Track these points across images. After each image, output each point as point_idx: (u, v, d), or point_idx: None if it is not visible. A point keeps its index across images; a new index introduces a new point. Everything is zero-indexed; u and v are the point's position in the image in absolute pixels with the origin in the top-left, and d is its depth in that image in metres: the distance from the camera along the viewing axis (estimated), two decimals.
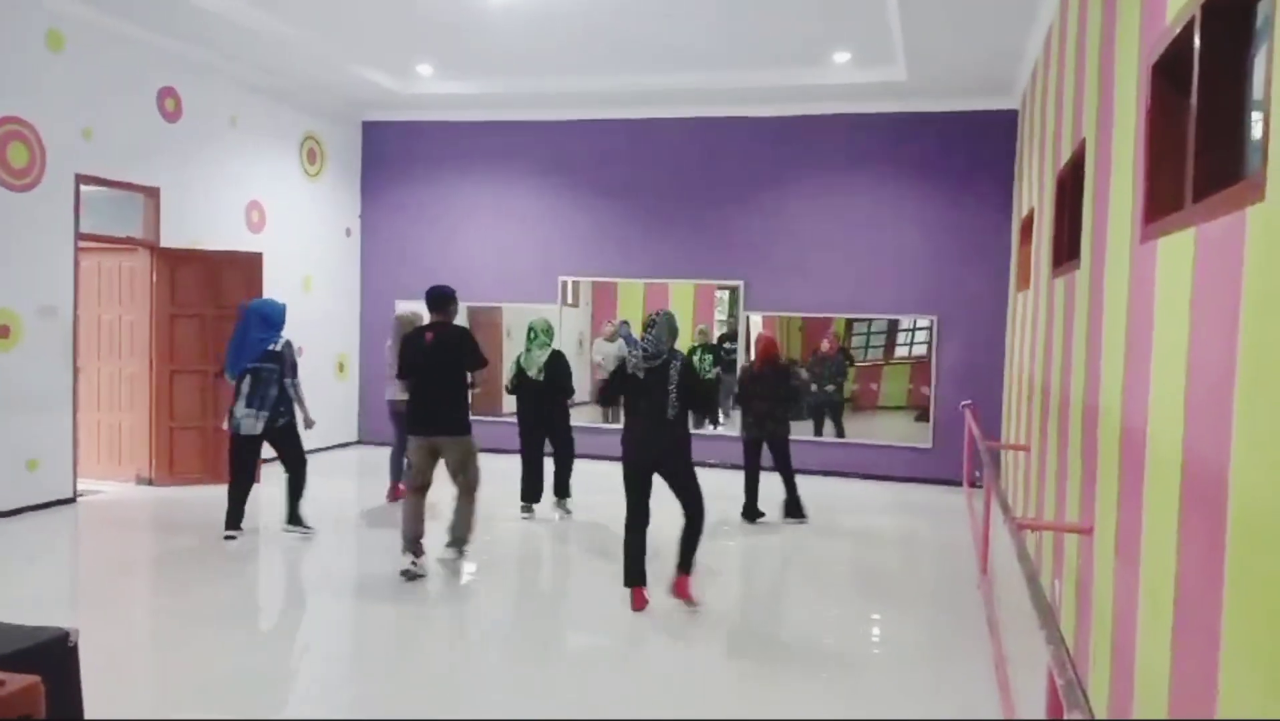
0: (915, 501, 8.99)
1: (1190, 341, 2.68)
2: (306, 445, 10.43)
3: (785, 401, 7.72)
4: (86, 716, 3.04)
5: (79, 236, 7.79)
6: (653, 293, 10.84)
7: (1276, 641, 1.90)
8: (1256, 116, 2.51)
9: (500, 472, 8.11)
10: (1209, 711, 2.30)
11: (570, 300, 11.06)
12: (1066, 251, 5.48)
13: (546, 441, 7.79)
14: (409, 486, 6.11)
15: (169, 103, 8.67)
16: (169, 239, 8.66)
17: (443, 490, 6.36)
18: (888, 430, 10.19)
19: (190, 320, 8.71)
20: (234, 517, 6.84)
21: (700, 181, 10.50)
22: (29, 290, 7.36)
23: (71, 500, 7.78)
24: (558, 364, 7.62)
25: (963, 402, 9.18)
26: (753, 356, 8.16)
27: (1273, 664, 1.92)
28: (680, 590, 5.46)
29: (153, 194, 8.56)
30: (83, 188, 7.81)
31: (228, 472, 6.88)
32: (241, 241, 9.54)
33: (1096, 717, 3.70)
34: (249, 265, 8.94)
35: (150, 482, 8.63)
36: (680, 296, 10.83)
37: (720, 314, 10.77)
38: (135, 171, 8.34)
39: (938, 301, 9.91)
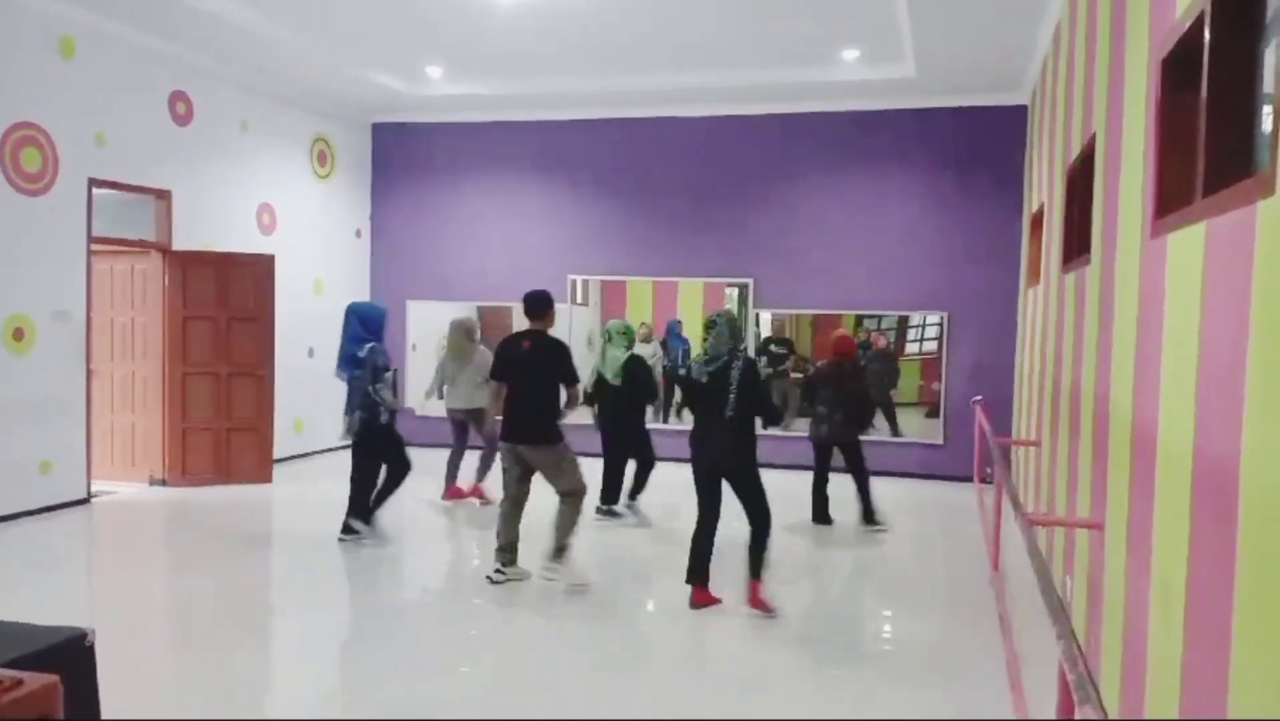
0: (926, 497, 8.98)
1: (1201, 336, 2.68)
2: (318, 445, 10.58)
3: (857, 402, 7.56)
4: (104, 716, 3.06)
5: (91, 240, 7.84)
6: (662, 291, 10.84)
7: None
8: (1267, 110, 2.51)
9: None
10: (1221, 706, 2.29)
11: (580, 299, 11.07)
12: (1077, 247, 5.47)
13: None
14: (505, 495, 5.93)
15: (180, 107, 8.72)
16: (181, 242, 8.71)
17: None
18: (899, 426, 10.17)
19: (203, 322, 8.76)
20: (360, 512, 6.75)
21: (709, 180, 10.50)
22: (43, 294, 7.41)
23: (86, 501, 7.83)
24: (637, 367, 7.48)
25: (973, 398, 9.16)
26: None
27: None
28: (752, 599, 5.38)
29: (164, 197, 8.61)
30: (95, 191, 7.86)
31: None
32: (253, 244, 9.59)
33: (1108, 713, 3.69)
34: (260, 267, 8.99)
35: (164, 484, 8.69)
36: (689, 294, 10.83)
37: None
38: (147, 175, 8.39)
39: (948, 298, 9.88)
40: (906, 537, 7.49)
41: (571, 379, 5.90)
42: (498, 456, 6.38)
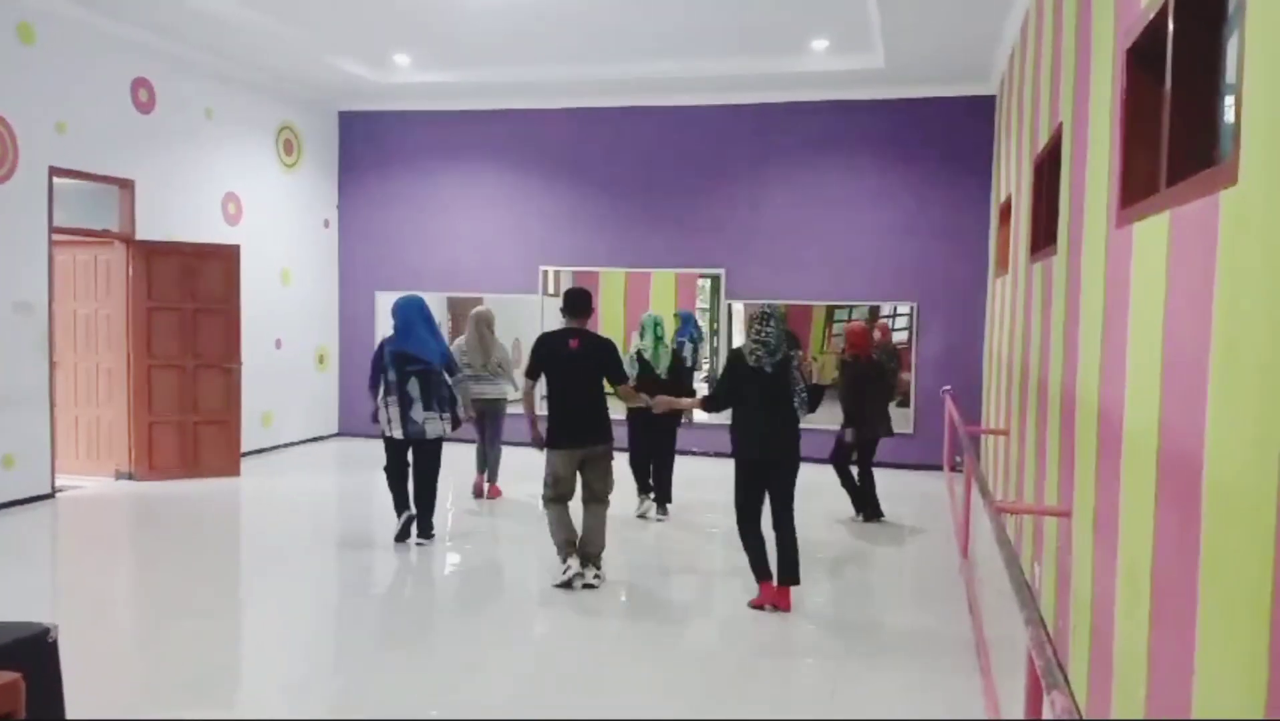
0: (896, 487, 9.03)
1: (1165, 324, 2.71)
2: (286, 438, 10.51)
3: (884, 397, 7.49)
4: (68, 713, 3.02)
5: (53, 230, 7.71)
6: (634, 282, 10.83)
7: (1252, 619, 1.93)
8: (1230, 101, 2.53)
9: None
10: (1187, 690, 2.33)
11: (551, 290, 11.04)
12: (1044, 236, 5.52)
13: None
14: (554, 497, 5.68)
15: (142, 94, 8.58)
16: (145, 232, 8.58)
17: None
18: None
19: (168, 313, 8.64)
20: (423, 523, 6.53)
21: (680, 170, 10.50)
22: (3, 285, 7.28)
23: (50, 496, 7.72)
24: (679, 363, 7.41)
25: (943, 388, 9.23)
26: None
27: (1248, 641, 1.94)
28: (783, 599, 5.35)
29: (128, 186, 8.47)
30: (56, 181, 7.73)
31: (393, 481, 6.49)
32: (219, 234, 9.46)
33: (1076, 697, 3.74)
34: (226, 258, 8.88)
35: (131, 477, 8.58)
36: (661, 285, 10.83)
37: (702, 302, 10.78)
38: (110, 164, 8.25)
39: (917, 288, 9.95)
40: (877, 526, 7.54)
41: (622, 377, 5.81)
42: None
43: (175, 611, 5.21)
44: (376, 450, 7.13)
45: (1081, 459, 3.90)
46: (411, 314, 6.33)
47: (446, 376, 6.45)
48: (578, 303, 5.79)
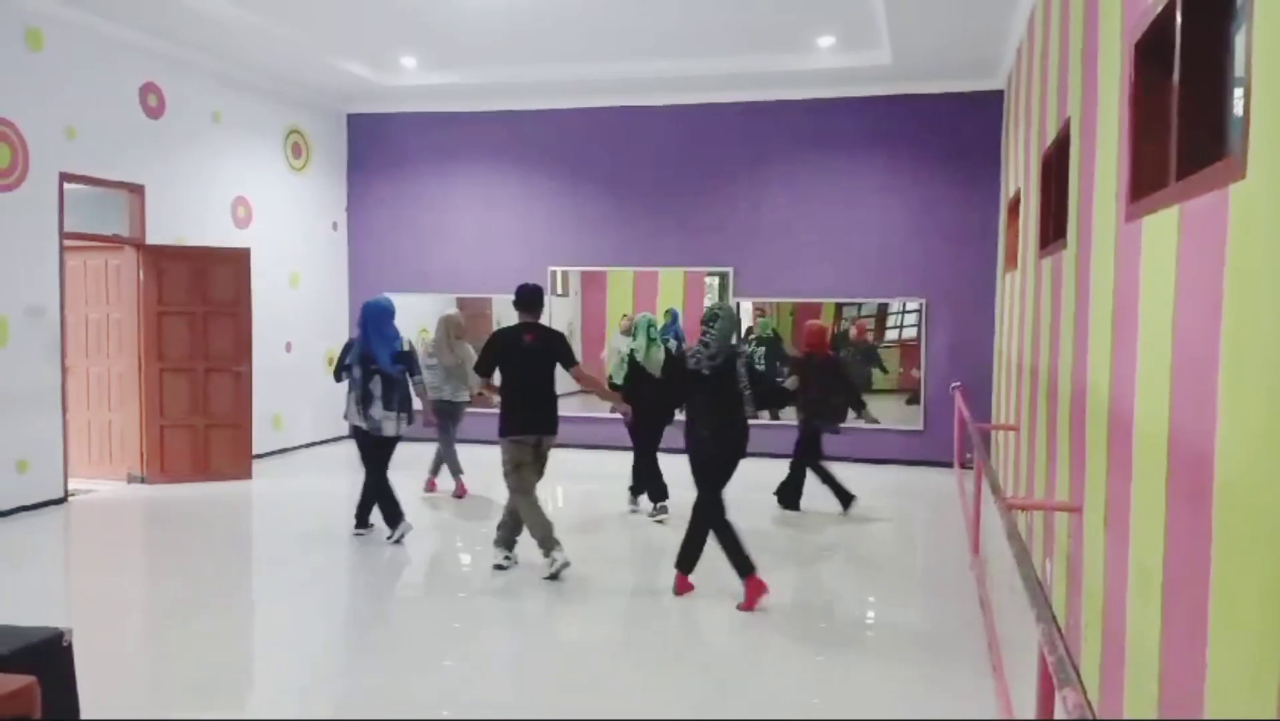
0: (907, 483, 9.03)
1: (1175, 318, 2.70)
2: (297, 441, 10.54)
3: (837, 392, 7.59)
4: (82, 716, 3.04)
5: (64, 235, 7.75)
6: (642, 281, 10.83)
7: (1263, 613, 1.92)
8: (1238, 94, 2.52)
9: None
10: (1199, 685, 2.32)
11: (560, 290, 11.05)
12: (1053, 231, 5.50)
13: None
14: (520, 489, 5.85)
15: (151, 99, 8.62)
16: (155, 236, 8.62)
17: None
18: (879, 413, 10.13)
19: (178, 317, 8.68)
20: (392, 516, 6.66)
21: (687, 168, 10.49)
22: (15, 290, 7.32)
23: (63, 500, 7.76)
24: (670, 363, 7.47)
25: (953, 384, 9.21)
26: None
27: (1260, 636, 1.94)
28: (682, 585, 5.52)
29: (137, 191, 8.51)
30: (67, 186, 7.77)
31: (367, 472, 6.71)
32: (228, 237, 9.50)
33: (1088, 693, 3.73)
34: (236, 261, 8.91)
35: (142, 481, 8.61)
36: (670, 284, 10.82)
37: (710, 300, 10.77)
38: (119, 169, 8.29)
39: (926, 284, 9.93)
40: (887, 523, 7.54)
41: (573, 360, 6.03)
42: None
43: (188, 614, 5.23)
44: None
45: (1092, 454, 3.89)
46: (372, 315, 6.58)
47: (409, 378, 6.69)
48: (531, 298, 6.00)
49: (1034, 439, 5.95)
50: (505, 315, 10.66)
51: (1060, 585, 4.68)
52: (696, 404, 5.45)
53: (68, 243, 7.85)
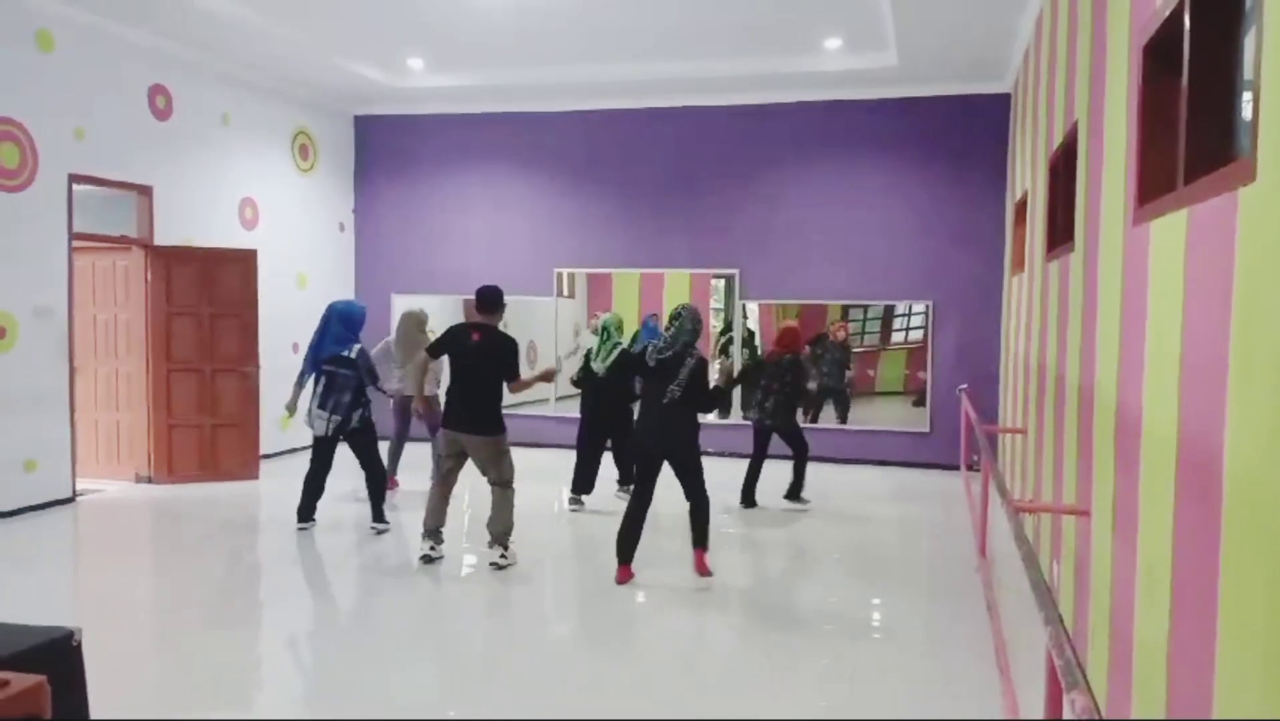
0: (913, 486, 9.02)
1: (1184, 322, 2.69)
2: (304, 441, 10.53)
3: (791, 393, 7.73)
4: (92, 716, 3.05)
5: (73, 236, 7.78)
6: (648, 283, 10.84)
7: (1271, 615, 1.92)
8: (1247, 97, 2.52)
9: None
10: (1208, 689, 2.32)
11: (566, 292, 11.06)
12: (1060, 235, 5.49)
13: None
14: (436, 479, 6.24)
15: (160, 100, 8.65)
16: (163, 237, 8.65)
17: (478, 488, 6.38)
18: (885, 415, 10.21)
19: (186, 318, 8.71)
20: (306, 510, 7.05)
21: (694, 170, 10.49)
22: (24, 291, 7.35)
23: (71, 500, 7.78)
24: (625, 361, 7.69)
25: (959, 387, 9.20)
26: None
27: (1270, 638, 1.93)
28: (699, 565, 5.81)
29: (146, 192, 8.54)
30: (75, 187, 7.80)
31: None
32: (236, 239, 9.53)
33: (1096, 697, 3.72)
34: (244, 262, 8.94)
35: (150, 481, 8.64)
36: (676, 286, 10.82)
37: (716, 303, 10.77)
38: (128, 170, 8.32)
39: (933, 286, 9.92)
40: (894, 525, 7.53)
41: (514, 375, 6.15)
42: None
43: (197, 614, 5.24)
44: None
45: (1100, 457, 3.88)
46: (332, 314, 6.90)
47: (363, 383, 6.93)
48: (487, 299, 6.23)
49: (1041, 442, 5.94)
50: (511, 318, 10.66)
51: (1068, 588, 4.67)
52: (643, 396, 5.80)
53: (76, 243, 7.88)
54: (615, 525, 5.89)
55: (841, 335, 10.20)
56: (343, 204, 11.41)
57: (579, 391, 8.04)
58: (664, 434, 5.66)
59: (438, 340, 6.22)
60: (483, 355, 6.03)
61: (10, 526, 7.05)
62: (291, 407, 7.15)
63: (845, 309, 10.22)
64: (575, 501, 7.83)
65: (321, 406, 6.83)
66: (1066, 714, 1.96)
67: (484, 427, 6.04)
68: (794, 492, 7.89)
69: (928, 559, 6.94)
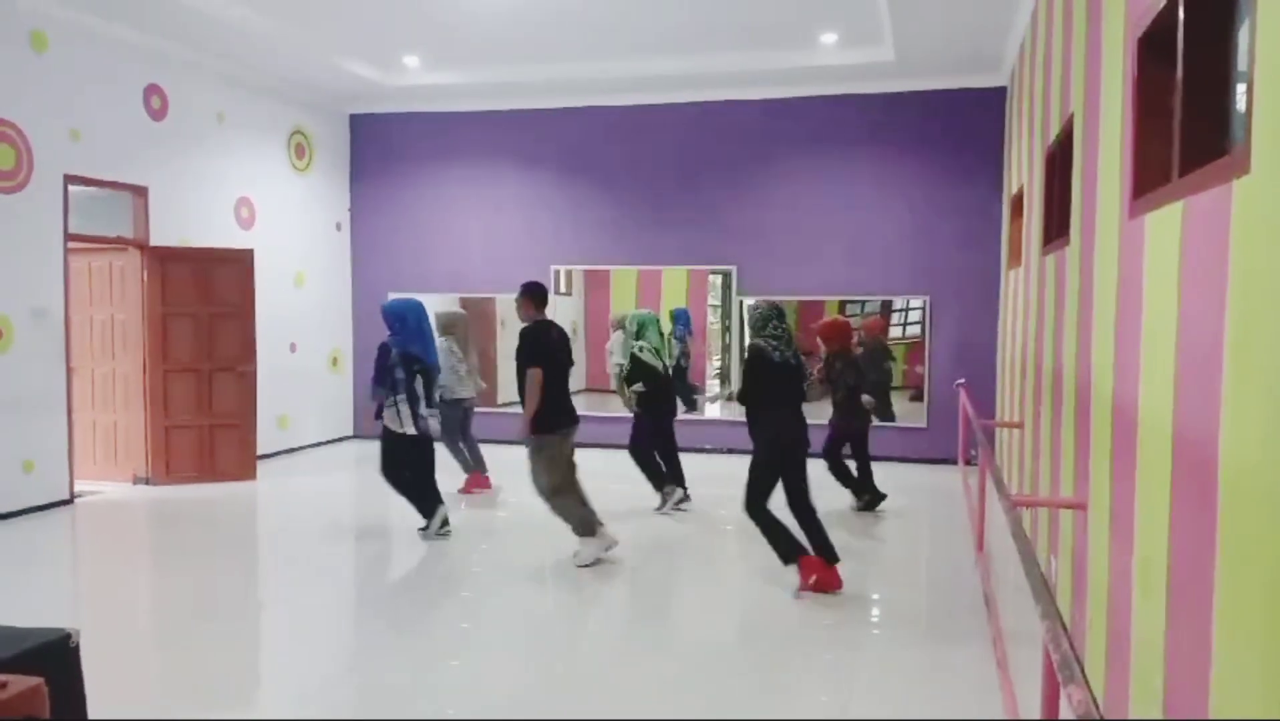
0: (911, 480, 9.02)
1: (1179, 315, 2.69)
2: (302, 441, 10.56)
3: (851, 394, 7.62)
4: (90, 717, 3.04)
5: (68, 237, 7.77)
6: (646, 279, 10.83)
7: (1268, 609, 1.92)
8: (1242, 88, 2.52)
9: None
10: (1204, 681, 2.32)
11: (563, 289, 11.05)
12: (1056, 228, 5.49)
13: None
14: (564, 486, 6.00)
15: (155, 101, 8.63)
16: (159, 237, 8.64)
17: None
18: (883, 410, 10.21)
19: (183, 319, 8.70)
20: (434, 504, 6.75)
21: (690, 166, 10.49)
22: (20, 292, 7.34)
23: (69, 501, 7.78)
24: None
25: (957, 381, 9.19)
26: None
27: (1266, 632, 1.93)
28: (834, 580, 5.51)
29: (141, 193, 8.53)
30: (71, 188, 7.78)
31: (390, 473, 6.67)
32: (232, 238, 9.52)
33: (1093, 690, 3.73)
34: (240, 262, 8.93)
35: (147, 482, 8.63)
36: (673, 282, 10.82)
37: (713, 299, 10.77)
38: (123, 171, 8.31)
39: (930, 281, 9.92)
40: (892, 520, 7.53)
41: (571, 360, 6.28)
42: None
43: (195, 615, 5.24)
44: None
45: (1096, 451, 3.88)
46: (415, 314, 6.64)
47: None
48: (545, 296, 6.28)
49: (1038, 435, 5.94)
50: (509, 315, 10.67)
51: (1065, 582, 4.67)
52: (776, 395, 5.63)
53: (72, 244, 7.87)
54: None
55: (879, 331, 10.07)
56: (339, 203, 11.40)
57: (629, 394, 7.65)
58: (804, 431, 5.61)
59: (542, 348, 6.01)
60: (564, 348, 6.17)
61: (8, 528, 7.05)
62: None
63: (843, 304, 10.21)
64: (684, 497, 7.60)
65: (431, 405, 6.63)
66: (1064, 708, 1.96)
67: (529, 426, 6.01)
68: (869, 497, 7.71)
69: (925, 553, 6.94)
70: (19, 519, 7.27)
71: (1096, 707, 3.52)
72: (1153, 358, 2.99)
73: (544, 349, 5.98)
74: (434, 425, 6.60)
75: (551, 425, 5.94)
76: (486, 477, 8.30)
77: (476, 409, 8.50)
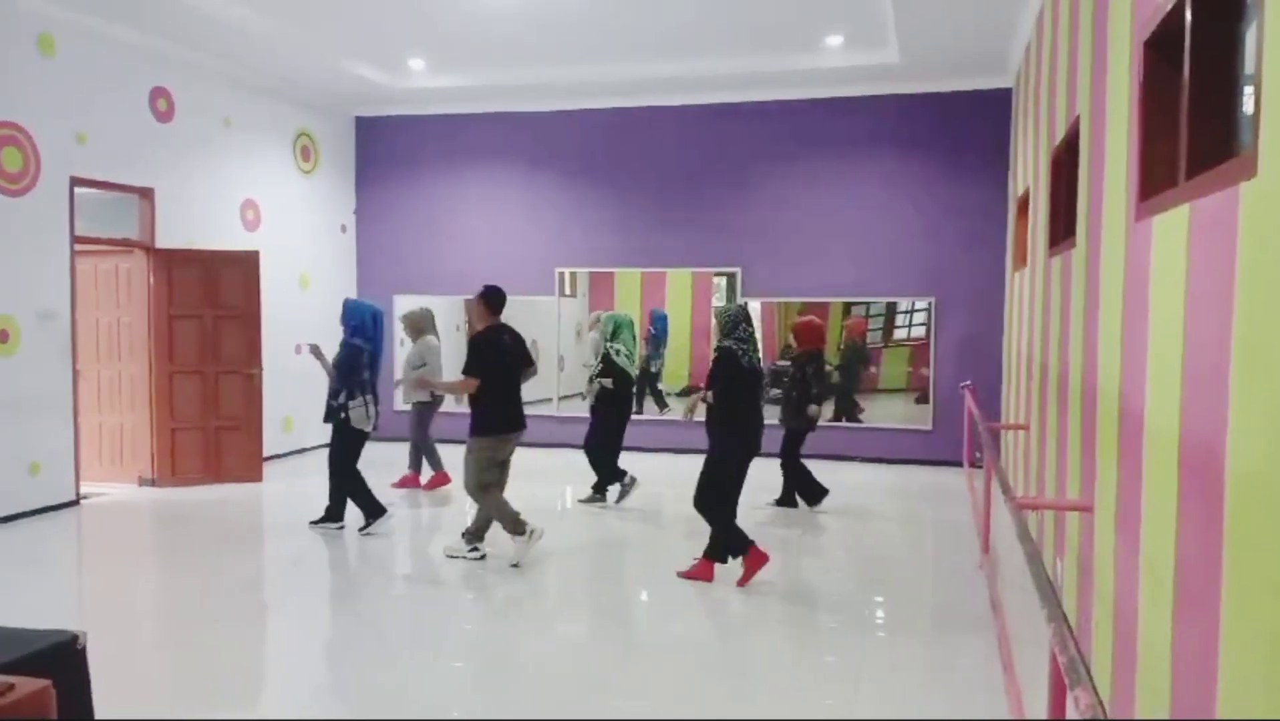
0: (916, 483, 9.01)
1: (1186, 317, 2.69)
2: (307, 443, 10.57)
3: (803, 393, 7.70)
4: (97, 719, 3.05)
5: (75, 239, 7.79)
6: (650, 282, 10.83)
7: (1275, 612, 1.91)
8: (1249, 91, 2.51)
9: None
10: (1211, 685, 2.31)
11: (568, 291, 11.06)
12: (1062, 230, 5.48)
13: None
14: (495, 486, 6.15)
15: (161, 103, 8.65)
16: (165, 240, 8.66)
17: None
18: (888, 413, 10.21)
19: (189, 321, 8.71)
20: (375, 509, 6.96)
21: (696, 169, 10.49)
22: (27, 294, 7.36)
23: (75, 503, 7.80)
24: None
25: (962, 383, 9.18)
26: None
27: (1272, 635, 1.93)
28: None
29: (147, 195, 8.55)
30: (77, 190, 7.80)
31: (349, 470, 6.96)
32: (238, 240, 9.54)
33: (1100, 693, 3.72)
34: (246, 264, 8.94)
35: (153, 484, 8.65)
36: (678, 285, 10.83)
37: (718, 301, 10.76)
38: (129, 173, 8.33)
39: (935, 283, 9.91)
40: (897, 522, 7.52)
41: (531, 363, 6.45)
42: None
43: (201, 617, 5.25)
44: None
45: (1103, 453, 3.88)
46: (379, 318, 7.07)
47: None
48: (503, 301, 6.42)
49: (1044, 438, 5.93)
50: (511, 316, 10.67)
51: (1071, 584, 4.66)
52: (739, 398, 5.75)
53: (78, 246, 7.89)
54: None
55: (860, 333, 10.20)
56: (344, 205, 11.42)
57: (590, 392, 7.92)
58: (762, 433, 5.81)
59: (491, 351, 6.15)
60: (516, 353, 6.28)
61: (14, 530, 7.06)
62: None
63: (848, 306, 10.20)
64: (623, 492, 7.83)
65: (377, 404, 6.99)
66: (1070, 711, 1.95)
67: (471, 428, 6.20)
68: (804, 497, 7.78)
69: (931, 555, 6.93)
70: (25, 520, 7.29)
71: (1103, 710, 3.52)
72: (1159, 360, 2.98)
73: (492, 358, 6.11)
74: (375, 422, 6.95)
75: (494, 427, 6.08)
76: (417, 476, 8.48)
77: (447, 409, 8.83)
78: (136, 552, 6.94)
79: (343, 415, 6.75)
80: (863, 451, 10.11)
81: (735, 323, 5.70)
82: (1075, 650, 2.04)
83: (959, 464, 9.42)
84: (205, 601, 5.50)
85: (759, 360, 5.76)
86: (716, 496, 5.69)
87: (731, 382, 5.62)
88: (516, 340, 6.32)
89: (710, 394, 5.65)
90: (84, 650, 2.95)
